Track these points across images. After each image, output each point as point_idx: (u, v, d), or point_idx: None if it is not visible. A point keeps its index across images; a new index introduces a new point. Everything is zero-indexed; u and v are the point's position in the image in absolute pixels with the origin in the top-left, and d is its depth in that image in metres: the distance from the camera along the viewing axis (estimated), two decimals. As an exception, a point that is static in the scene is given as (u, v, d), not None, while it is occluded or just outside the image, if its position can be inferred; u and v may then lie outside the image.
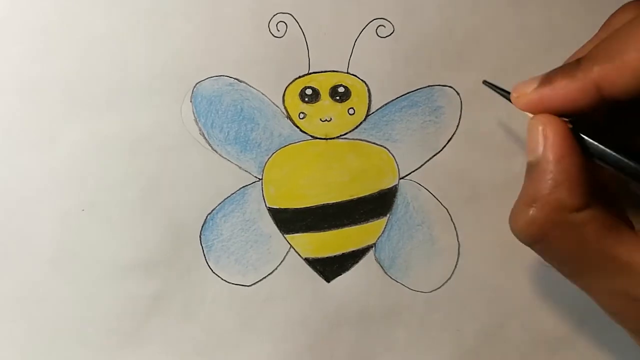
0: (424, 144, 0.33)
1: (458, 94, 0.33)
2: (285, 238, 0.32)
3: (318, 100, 0.32)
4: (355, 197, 0.33)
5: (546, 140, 0.24)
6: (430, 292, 0.33)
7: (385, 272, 0.33)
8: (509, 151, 0.33)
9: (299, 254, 0.33)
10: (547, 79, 0.25)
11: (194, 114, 0.32)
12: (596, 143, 0.25)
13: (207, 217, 0.32)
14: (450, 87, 0.33)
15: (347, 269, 0.33)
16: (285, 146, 0.32)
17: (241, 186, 0.32)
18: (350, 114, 0.32)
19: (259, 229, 0.32)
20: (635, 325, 0.24)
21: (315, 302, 0.33)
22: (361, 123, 0.33)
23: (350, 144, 0.33)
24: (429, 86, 0.33)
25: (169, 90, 0.31)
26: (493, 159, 0.33)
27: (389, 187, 0.33)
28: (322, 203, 0.32)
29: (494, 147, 0.33)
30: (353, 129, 0.33)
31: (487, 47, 0.33)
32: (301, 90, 0.32)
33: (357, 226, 0.33)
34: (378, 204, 0.33)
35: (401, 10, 0.32)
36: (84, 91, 0.31)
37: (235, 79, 0.32)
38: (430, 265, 0.33)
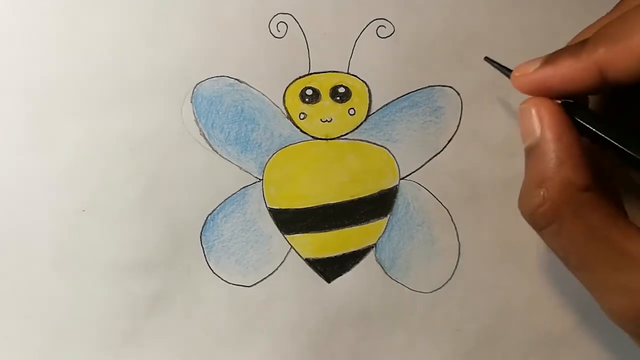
0: (424, 144, 0.33)
1: (458, 94, 0.33)
2: (285, 238, 0.32)
3: (318, 101, 0.32)
4: (355, 197, 0.33)
5: (542, 120, 0.24)
6: (431, 292, 0.33)
7: (386, 273, 0.33)
8: (509, 151, 0.33)
9: (299, 255, 0.32)
10: (551, 58, 0.25)
11: (194, 114, 0.32)
12: (585, 124, 0.25)
13: (207, 217, 0.32)
14: (450, 87, 0.33)
15: (348, 270, 0.33)
16: (286, 147, 0.32)
17: (242, 187, 0.32)
18: (350, 115, 0.32)
19: (259, 229, 0.32)
20: (636, 326, 0.24)
21: (316, 302, 0.32)
22: (361, 123, 0.33)
23: (351, 144, 0.33)
24: (429, 86, 0.33)
25: (169, 90, 0.31)
26: (493, 159, 0.33)
27: (389, 187, 0.33)
28: (322, 203, 0.32)
29: (494, 147, 0.33)
30: (353, 130, 0.33)
31: (487, 47, 0.33)
32: (301, 90, 0.32)
33: (357, 226, 0.33)
34: (378, 205, 0.33)
35: (401, 11, 0.32)
36: (84, 91, 0.31)
37: (235, 79, 0.32)
38: (431, 265, 0.33)
